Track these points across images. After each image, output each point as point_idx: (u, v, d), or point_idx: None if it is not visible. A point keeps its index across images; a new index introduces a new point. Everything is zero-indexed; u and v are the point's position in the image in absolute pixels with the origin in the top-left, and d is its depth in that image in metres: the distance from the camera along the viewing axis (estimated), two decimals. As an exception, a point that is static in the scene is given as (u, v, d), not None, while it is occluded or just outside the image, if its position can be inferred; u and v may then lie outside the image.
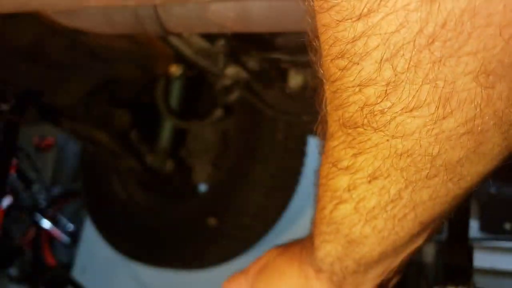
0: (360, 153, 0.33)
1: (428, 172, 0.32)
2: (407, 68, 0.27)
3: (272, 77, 1.13)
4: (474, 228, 1.79)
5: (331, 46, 0.29)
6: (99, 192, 1.82)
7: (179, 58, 1.17)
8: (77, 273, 2.54)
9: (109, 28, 0.92)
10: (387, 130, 0.30)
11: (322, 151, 0.37)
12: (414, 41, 0.26)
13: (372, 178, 0.33)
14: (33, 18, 1.02)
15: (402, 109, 0.29)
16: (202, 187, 1.75)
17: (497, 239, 1.62)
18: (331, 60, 0.30)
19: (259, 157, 1.42)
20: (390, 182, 0.33)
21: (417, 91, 0.28)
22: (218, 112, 1.48)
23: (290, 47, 1.04)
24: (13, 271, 3.47)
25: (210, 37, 1.04)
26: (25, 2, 0.76)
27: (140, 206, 1.74)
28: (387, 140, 0.31)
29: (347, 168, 0.34)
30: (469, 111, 0.28)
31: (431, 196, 0.33)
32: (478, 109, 0.28)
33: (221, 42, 1.01)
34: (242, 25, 0.84)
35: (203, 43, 1.08)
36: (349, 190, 0.35)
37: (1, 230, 1.24)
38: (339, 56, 0.29)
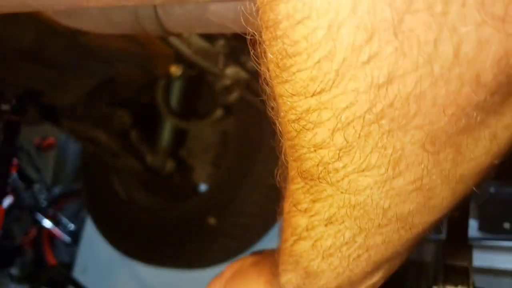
0: (317, 200, 0.35)
1: (380, 222, 0.34)
2: (358, 137, 0.29)
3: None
4: (473, 227, 1.79)
5: (286, 111, 0.31)
6: (99, 192, 1.82)
7: (179, 58, 1.18)
8: (77, 273, 2.54)
9: (109, 28, 0.93)
10: (340, 185, 0.32)
11: (284, 190, 0.40)
12: (364, 117, 0.28)
13: (328, 222, 0.36)
14: (33, 19, 1.03)
15: (354, 169, 0.31)
16: (202, 187, 1.75)
17: (496, 239, 1.62)
18: (288, 121, 0.32)
19: (259, 157, 1.42)
20: (345, 227, 0.35)
21: (368, 156, 0.30)
22: (218, 112, 1.48)
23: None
24: (14, 270, 3.47)
25: (210, 37, 1.04)
26: (25, 2, 0.76)
27: (140, 205, 1.74)
28: (341, 193, 0.33)
29: (305, 210, 0.36)
30: (417, 172, 0.30)
31: (384, 240, 0.36)
32: (425, 170, 0.30)
33: (221, 42, 1.01)
34: (242, 25, 0.84)
35: (203, 43, 1.08)
36: (307, 230, 0.37)
37: (2, 229, 1.24)
38: (295, 120, 0.31)
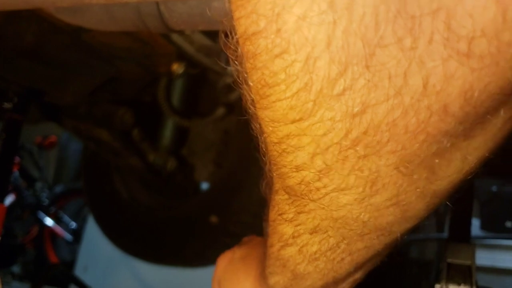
0: (301, 212, 0.37)
1: (361, 231, 0.36)
2: (336, 161, 0.31)
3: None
4: (475, 226, 1.79)
5: (268, 134, 0.33)
6: (101, 191, 1.82)
7: (181, 56, 1.17)
8: (79, 271, 2.55)
9: (112, 25, 0.93)
10: (322, 202, 0.34)
11: (269, 198, 0.42)
12: (341, 143, 0.30)
13: (313, 231, 0.38)
14: (36, 16, 1.02)
15: (334, 188, 0.33)
16: (204, 186, 1.75)
17: (499, 237, 1.62)
18: (270, 142, 0.34)
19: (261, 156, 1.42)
20: (329, 236, 0.38)
21: (346, 177, 0.32)
22: (220, 111, 1.48)
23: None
24: (16, 268, 3.48)
25: (212, 35, 1.04)
26: (28, 0, 0.76)
27: (141, 204, 1.74)
28: (323, 208, 0.35)
29: (290, 220, 0.39)
30: (393, 190, 0.32)
31: (365, 245, 0.38)
32: (401, 189, 0.32)
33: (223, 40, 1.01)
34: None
35: (205, 41, 1.08)
36: (293, 237, 0.40)
37: (3, 228, 1.24)
38: (276, 143, 0.33)
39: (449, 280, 0.82)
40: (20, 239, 3.68)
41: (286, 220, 0.39)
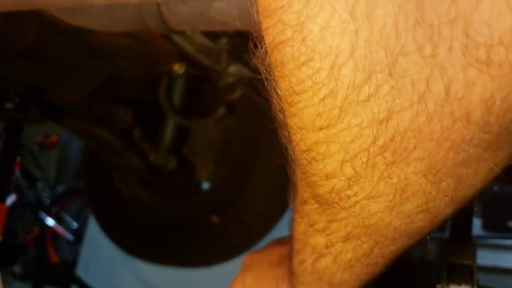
0: (332, 220, 0.38)
1: (393, 236, 0.37)
2: (365, 168, 0.31)
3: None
4: (477, 226, 1.79)
5: (297, 142, 0.34)
6: (102, 190, 1.83)
7: (182, 56, 1.17)
8: (80, 271, 2.55)
9: (113, 25, 0.93)
10: (353, 210, 0.35)
11: (296, 209, 0.42)
12: (369, 149, 0.30)
13: (346, 238, 0.38)
14: (36, 16, 1.02)
15: (364, 196, 0.33)
16: (205, 185, 1.75)
17: (500, 237, 1.62)
18: (299, 150, 0.34)
19: (261, 155, 1.42)
20: (362, 242, 0.38)
21: (376, 184, 0.32)
22: (221, 110, 1.48)
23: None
24: (17, 268, 3.48)
25: (213, 35, 1.04)
26: (29, 1, 0.76)
27: (143, 204, 1.74)
28: (354, 216, 0.35)
29: (323, 229, 0.39)
30: (423, 198, 0.33)
31: (397, 247, 0.39)
32: (430, 196, 0.33)
33: (223, 40, 1.01)
34: (245, 22, 0.84)
35: (205, 41, 1.08)
36: (327, 247, 0.40)
37: (5, 228, 1.24)
38: (305, 151, 0.33)
39: (450, 280, 0.82)
40: (21, 239, 3.68)
41: (317, 231, 0.39)
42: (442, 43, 0.25)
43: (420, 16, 0.25)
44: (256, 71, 1.01)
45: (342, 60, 0.28)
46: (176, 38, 1.06)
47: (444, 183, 0.32)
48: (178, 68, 1.23)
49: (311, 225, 0.40)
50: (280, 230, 1.63)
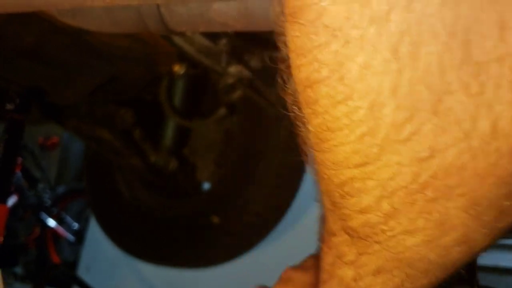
0: (363, 253, 0.36)
1: (426, 269, 0.35)
2: (403, 204, 0.30)
3: (274, 75, 1.13)
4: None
5: (330, 176, 0.33)
6: (103, 191, 1.83)
7: (182, 56, 1.18)
8: (82, 271, 2.55)
9: (113, 26, 0.93)
10: (387, 244, 0.33)
11: (323, 240, 0.40)
12: (408, 186, 0.30)
13: (376, 272, 0.36)
14: (37, 17, 1.03)
15: (401, 231, 0.32)
16: (206, 186, 1.75)
17: (501, 237, 1.62)
18: (331, 183, 0.33)
19: (262, 156, 1.42)
20: (393, 275, 0.36)
21: (414, 220, 0.31)
22: (221, 111, 1.48)
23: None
24: (18, 269, 3.48)
25: (212, 36, 1.04)
26: (29, 2, 0.76)
27: (143, 204, 1.74)
28: (387, 250, 0.34)
29: (352, 262, 0.37)
30: (461, 231, 0.32)
31: (430, 281, 0.37)
32: (470, 229, 0.32)
33: (223, 41, 1.02)
34: (244, 23, 0.84)
35: (205, 42, 1.08)
36: (355, 280, 0.38)
37: (6, 228, 1.24)
38: (338, 185, 0.32)
39: (451, 280, 0.82)
40: (22, 240, 3.69)
41: (346, 263, 0.38)
42: (489, 81, 0.25)
43: (467, 54, 0.25)
44: (255, 71, 1.01)
45: (383, 99, 0.27)
46: (176, 39, 1.06)
47: (485, 217, 0.31)
48: (178, 68, 1.23)
49: (339, 257, 0.38)
50: (280, 231, 1.63)
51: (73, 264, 2.97)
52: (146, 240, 1.71)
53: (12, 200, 3.34)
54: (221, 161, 1.63)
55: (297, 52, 0.29)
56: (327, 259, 0.40)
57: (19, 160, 3.43)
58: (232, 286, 2.06)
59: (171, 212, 1.68)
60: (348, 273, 0.38)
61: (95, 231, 2.34)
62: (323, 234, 0.41)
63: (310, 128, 0.32)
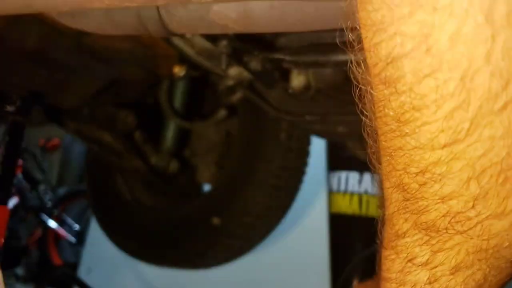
0: (440, 250, 0.33)
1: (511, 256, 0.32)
2: (494, 184, 0.28)
3: (274, 77, 1.13)
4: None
5: (406, 165, 0.30)
6: (104, 192, 1.83)
7: (183, 58, 1.18)
8: (83, 273, 2.56)
9: (112, 29, 0.93)
10: (471, 232, 0.31)
11: (387, 246, 0.37)
12: (501, 162, 0.27)
13: (456, 270, 0.33)
14: (38, 20, 1.03)
15: (488, 216, 0.30)
16: (206, 187, 1.75)
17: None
18: (408, 174, 0.31)
19: (262, 157, 1.43)
20: (474, 271, 0.33)
21: (503, 200, 0.29)
22: (221, 112, 1.49)
23: (292, 47, 1.04)
24: (19, 270, 3.49)
25: (212, 38, 1.05)
26: (29, 4, 0.77)
27: (144, 206, 1.75)
28: (471, 239, 0.31)
29: (426, 263, 0.34)
30: None
31: (509, 273, 0.34)
32: None
33: (223, 43, 1.02)
34: (244, 25, 0.84)
35: (205, 44, 1.08)
36: (430, 283, 0.35)
37: (7, 230, 1.25)
38: (418, 173, 0.30)
39: None
40: (23, 241, 3.69)
41: (418, 266, 0.35)
42: None
43: None
44: (255, 73, 1.01)
45: (476, 67, 0.25)
46: (177, 41, 1.06)
47: None
48: (179, 71, 1.23)
49: (409, 260, 0.35)
50: (280, 231, 1.64)
51: (74, 265, 2.97)
52: (146, 242, 1.71)
53: (13, 202, 3.35)
54: (221, 163, 1.64)
55: (376, 27, 0.27)
56: (394, 266, 0.36)
57: (20, 162, 3.43)
58: (233, 286, 2.06)
59: (171, 214, 1.68)
60: (421, 276, 0.35)
61: (96, 233, 2.34)
62: (387, 240, 0.37)
63: (388, 111, 0.29)
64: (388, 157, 0.32)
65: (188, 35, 1.05)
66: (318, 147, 1.74)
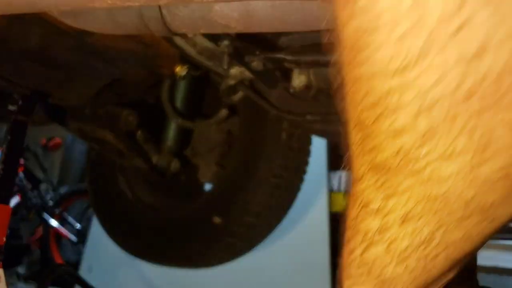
0: (392, 195, 0.33)
1: (461, 215, 0.31)
2: (444, 119, 0.27)
3: (275, 77, 1.13)
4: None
5: (362, 97, 0.30)
6: (105, 192, 1.84)
7: (184, 58, 1.18)
8: (84, 271, 2.56)
9: (114, 28, 0.94)
10: (421, 176, 0.30)
11: (349, 193, 0.37)
12: (452, 95, 0.26)
13: (405, 219, 0.33)
14: (40, 19, 1.04)
15: (438, 156, 0.29)
16: (207, 186, 1.76)
17: (501, 238, 1.61)
18: (363, 108, 0.30)
19: (263, 157, 1.43)
20: (423, 223, 0.33)
21: (453, 140, 0.28)
22: (223, 112, 1.49)
23: (293, 47, 1.04)
24: (21, 269, 3.50)
25: (214, 38, 1.05)
26: (31, 3, 0.77)
27: (146, 205, 1.75)
28: (421, 184, 0.31)
29: (377, 210, 0.34)
30: (506, 158, 0.28)
31: (464, 235, 0.33)
32: None
33: (225, 42, 1.02)
34: (246, 25, 0.85)
35: (207, 44, 1.08)
36: (380, 232, 0.35)
37: (9, 229, 1.25)
38: (372, 106, 0.29)
39: (450, 280, 0.82)
40: (25, 240, 3.70)
41: (371, 213, 0.34)
42: None
43: None
44: (257, 73, 1.01)
45: None
46: (178, 40, 1.07)
47: None
48: (180, 70, 1.24)
49: (364, 206, 0.35)
50: (282, 231, 1.64)
51: (75, 264, 2.98)
52: (148, 241, 1.72)
53: (14, 201, 3.36)
54: (223, 162, 1.64)
55: None
56: (352, 213, 0.36)
57: (22, 161, 3.44)
58: (233, 285, 2.07)
59: (173, 213, 1.69)
60: (373, 224, 0.35)
61: (97, 232, 2.35)
62: (349, 187, 0.37)
63: (345, 38, 0.28)
64: (349, 94, 0.31)
65: (189, 35, 1.05)
66: (319, 146, 1.74)
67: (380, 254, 0.36)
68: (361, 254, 0.37)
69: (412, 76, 0.27)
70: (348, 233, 0.38)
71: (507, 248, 1.62)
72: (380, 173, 0.32)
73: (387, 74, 0.27)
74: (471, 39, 0.25)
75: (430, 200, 0.31)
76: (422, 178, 0.30)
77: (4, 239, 1.35)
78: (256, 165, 1.44)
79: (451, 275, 0.39)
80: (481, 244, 0.36)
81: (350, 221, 0.37)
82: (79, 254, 3.27)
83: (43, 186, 3.77)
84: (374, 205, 0.34)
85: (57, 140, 4.02)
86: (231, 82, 1.15)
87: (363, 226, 0.35)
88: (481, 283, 0.81)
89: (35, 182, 3.66)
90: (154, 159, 1.60)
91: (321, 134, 1.32)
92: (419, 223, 0.32)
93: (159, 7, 0.86)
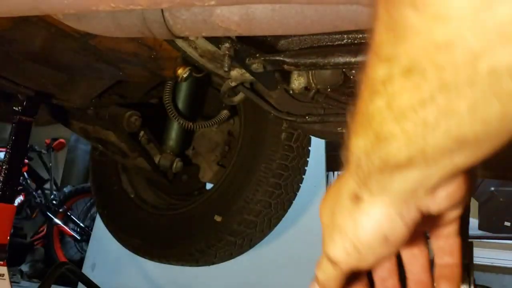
0: (399, 37, 0.31)
1: (468, 76, 0.28)
2: None
3: (275, 79, 1.15)
4: (473, 225, 1.79)
5: None
6: (108, 191, 1.86)
7: (186, 60, 1.20)
8: (87, 269, 2.58)
9: (117, 31, 0.95)
10: (428, 10, 0.28)
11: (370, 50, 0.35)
12: None
13: (407, 70, 0.31)
14: (44, 22, 1.05)
15: None
16: (209, 186, 1.78)
17: (497, 237, 1.62)
18: None
19: (263, 157, 1.45)
20: (424, 79, 0.30)
21: None
22: (224, 113, 1.51)
23: (292, 49, 1.06)
24: (25, 267, 3.52)
25: (215, 40, 1.06)
26: (35, 6, 0.79)
27: (148, 204, 1.77)
28: (426, 24, 0.28)
29: (385, 56, 0.32)
30: None
31: (470, 108, 0.29)
32: None
33: (226, 45, 1.03)
34: (246, 28, 0.86)
35: (208, 46, 1.10)
36: (383, 83, 0.33)
37: (13, 227, 1.27)
38: None
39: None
40: (29, 239, 3.72)
41: (380, 59, 0.33)
42: None
43: None
44: (257, 75, 1.03)
45: None
46: (180, 43, 1.08)
47: None
48: (182, 72, 1.25)
49: (375, 52, 0.33)
50: (281, 230, 1.66)
51: (79, 262, 3.00)
52: (150, 239, 1.74)
53: (19, 200, 3.38)
54: (224, 162, 1.66)
55: None
56: (366, 64, 0.35)
57: (26, 161, 3.47)
58: (234, 283, 2.08)
59: (175, 212, 1.70)
60: (379, 72, 0.33)
61: (100, 230, 2.37)
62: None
63: None
64: None
65: (191, 37, 1.07)
66: (317, 147, 1.75)
67: (381, 107, 0.34)
68: (366, 105, 0.36)
69: None
70: (362, 86, 0.36)
71: (504, 248, 1.63)
72: (391, 11, 0.30)
73: None
74: None
75: (434, 49, 0.29)
76: (428, 15, 0.28)
77: (8, 237, 1.37)
78: (256, 165, 1.46)
79: (456, 160, 0.35)
80: (497, 132, 0.31)
81: (364, 73, 0.35)
82: (83, 252, 3.30)
83: (47, 186, 3.79)
84: (384, 50, 0.32)
85: (61, 140, 4.04)
86: (232, 83, 1.16)
87: (372, 72, 0.34)
88: (478, 281, 0.83)
89: (39, 182, 3.69)
90: (157, 159, 1.61)
91: (320, 135, 1.33)
92: (420, 77, 0.30)
93: (162, 10, 0.88)
